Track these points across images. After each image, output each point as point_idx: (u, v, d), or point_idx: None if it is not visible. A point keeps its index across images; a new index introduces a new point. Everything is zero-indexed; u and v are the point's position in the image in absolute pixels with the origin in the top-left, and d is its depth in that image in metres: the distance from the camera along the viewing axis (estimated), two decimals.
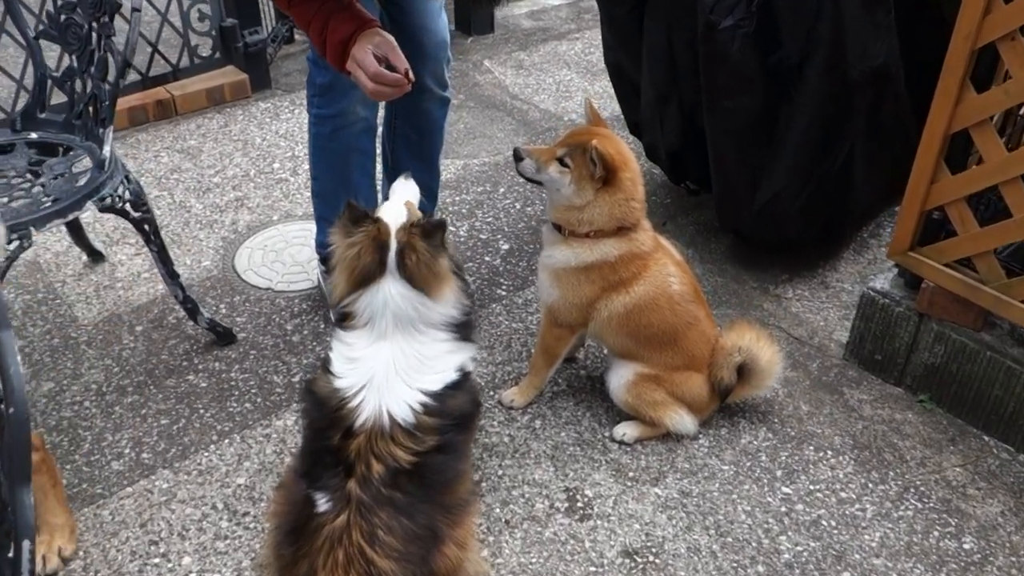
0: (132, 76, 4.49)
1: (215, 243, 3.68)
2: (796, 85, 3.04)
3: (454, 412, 2.12)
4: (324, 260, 3.25)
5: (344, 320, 2.17)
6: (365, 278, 2.08)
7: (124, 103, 4.39)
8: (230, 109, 4.72)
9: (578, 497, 2.61)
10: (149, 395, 2.93)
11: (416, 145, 3.15)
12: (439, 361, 2.13)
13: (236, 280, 3.47)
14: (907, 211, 2.75)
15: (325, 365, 2.17)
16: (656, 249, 2.68)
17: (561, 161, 2.54)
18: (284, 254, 3.61)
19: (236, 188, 4.05)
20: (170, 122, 4.58)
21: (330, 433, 2.04)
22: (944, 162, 2.62)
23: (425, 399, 2.06)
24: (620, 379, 2.75)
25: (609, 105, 4.81)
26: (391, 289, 2.07)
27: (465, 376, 2.21)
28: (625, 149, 2.60)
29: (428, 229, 2.08)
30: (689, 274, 2.76)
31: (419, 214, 2.21)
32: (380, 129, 3.20)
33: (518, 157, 2.61)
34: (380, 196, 3.36)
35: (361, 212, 2.11)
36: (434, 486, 2.05)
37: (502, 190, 4.07)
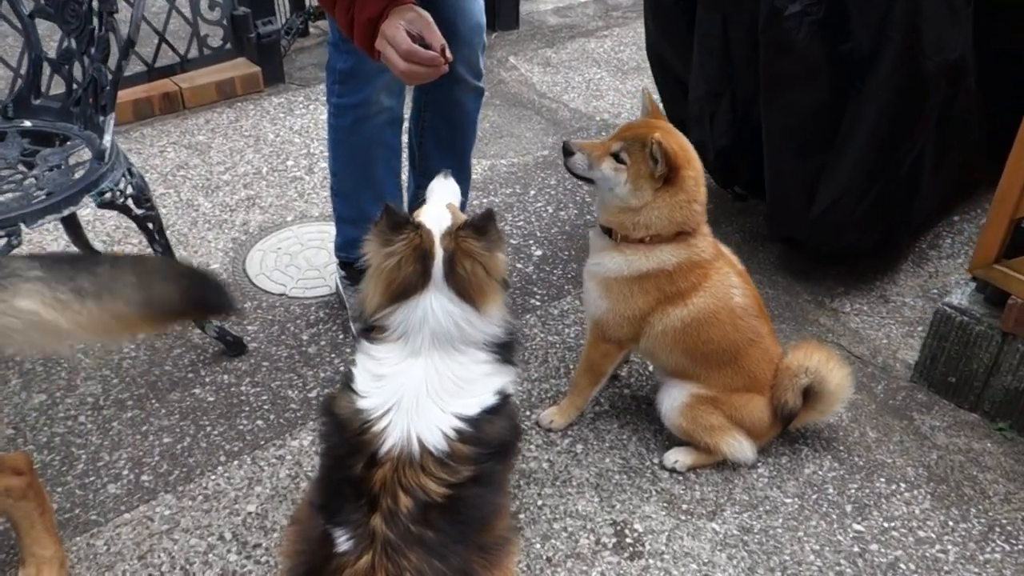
0: (137, 67, 4.25)
1: (224, 245, 3.41)
2: (866, 78, 2.78)
3: (492, 440, 1.88)
4: (344, 264, 2.99)
5: (372, 331, 1.91)
6: (405, 291, 1.84)
7: (128, 95, 4.14)
8: (241, 103, 4.47)
9: (627, 532, 2.34)
10: (151, 410, 2.66)
11: (447, 140, 2.89)
12: (477, 384, 1.89)
13: (247, 285, 3.20)
14: (995, 219, 2.48)
15: (347, 381, 1.93)
16: (717, 257, 2.41)
17: (616, 157, 2.28)
18: (299, 257, 3.34)
19: (247, 186, 3.78)
20: (177, 116, 4.32)
21: (352, 460, 1.80)
22: None
23: (460, 425, 1.82)
24: (673, 401, 2.48)
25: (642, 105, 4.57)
26: (434, 303, 1.83)
27: (505, 400, 1.96)
28: (688, 145, 2.35)
29: (479, 225, 1.84)
30: (752, 285, 2.50)
31: (463, 216, 1.95)
32: (406, 123, 2.94)
33: (568, 151, 2.34)
34: (407, 193, 3.10)
35: (401, 217, 1.86)
36: (469, 523, 1.82)
37: (532, 192, 3.80)
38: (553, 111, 4.53)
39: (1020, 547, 2.33)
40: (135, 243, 3.35)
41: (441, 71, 2.13)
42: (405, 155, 3.00)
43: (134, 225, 2.63)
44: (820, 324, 3.10)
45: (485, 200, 3.73)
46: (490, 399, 1.90)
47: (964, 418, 2.74)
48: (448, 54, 2.11)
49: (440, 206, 1.96)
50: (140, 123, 4.22)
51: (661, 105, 3.64)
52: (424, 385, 1.84)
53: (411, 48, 2.07)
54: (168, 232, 3.38)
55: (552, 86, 4.80)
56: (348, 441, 1.83)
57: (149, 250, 2.68)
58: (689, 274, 2.35)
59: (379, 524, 1.71)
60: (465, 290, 1.83)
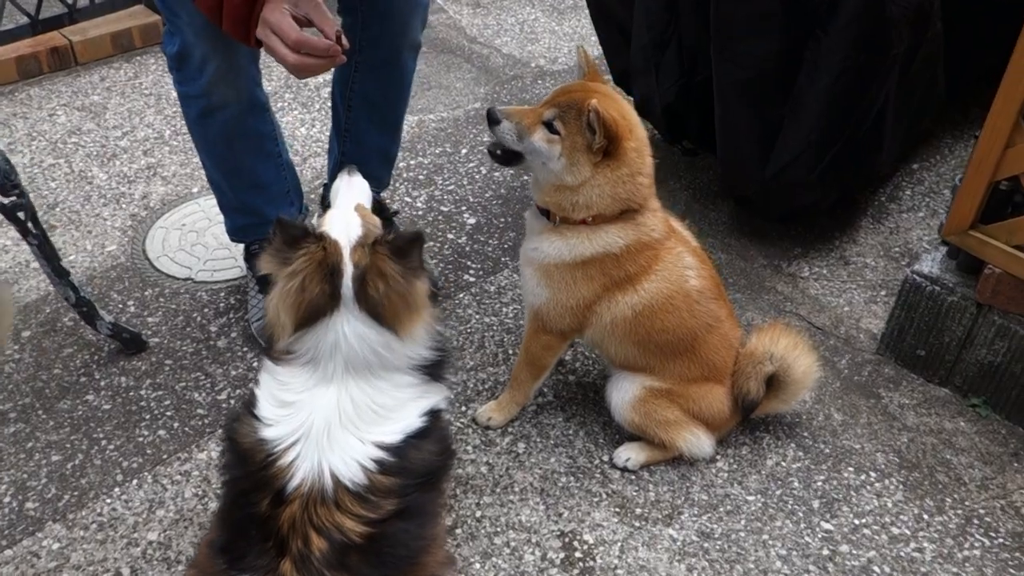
0: (19, 18, 3.79)
1: (122, 222, 3.06)
2: (825, 25, 2.52)
3: (419, 468, 1.65)
4: (246, 247, 2.67)
5: (277, 351, 1.64)
6: (313, 314, 1.57)
7: (11, 51, 3.73)
8: (140, 57, 4.05)
9: (575, 544, 2.12)
10: (37, 422, 2.35)
11: (379, 104, 2.56)
12: (400, 410, 1.66)
13: (147, 269, 2.86)
14: (972, 182, 2.26)
15: (249, 405, 1.67)
16: (669, 235, 2.15)
17: (549, 126, 1.99)
18: (206, 234, 3.00)
19: (148, 153, 3.41)
20: (68, 74, 3.90)
21: (256, 497, 1.57)
22: None
23: (381, 455, 1.60)
24: (624, 395, 2.24)
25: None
26: (345, 328, 1.57)
27: (434, 420, 1.70)
28: (629, 111, 2.07)
29: (400, 246, 1.58)
30: (709, 264, 2.25)
31: (376, 221, 1.67)
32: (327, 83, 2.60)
33: (493, 119, 2.05)
34: (329, 159, 2.77)
35: (297, 230, 1.58)
36: (395, 563, 1.61)
37: (464, 151, 3.49)
38: (485, 58, 4.19)
39: (1000, 541, 2.16)
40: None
41: (337, 62, 1.82)
42: (306, 125, 2.67)
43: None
44: (777, 292, 2.87)
45: (413, 161, 3.41)
46: (416, 423, 1.67)
47: (934, 394, 2.56)
48: (344, 41, 1.79)
49: (348, 210, 1.67)
50: (26, 83, 3.79)
51: (603, 55, 3.36)
52: (337, 414, 1.61)
53: (302, 38, 1.75)
54: (60, 210, 3.06)
55: (483, 29, 4.45)
56: (251, 475, 1.60)
57: (22, 245, 2.33)
58: (638, 256, 2.09)
59: (289, 570, 1.51)
60: (380, 313, 1.58)
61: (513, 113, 2.05)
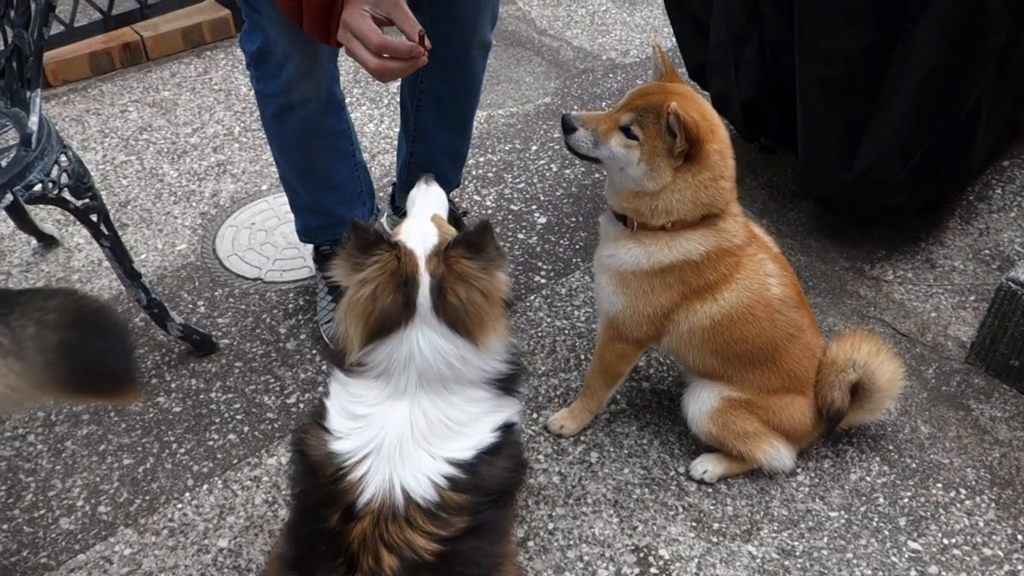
0: (92, 14, 3.83)
1: (192, 221, 3.06)
2: (917, 19, 2.39)
3: (491, 485, 1.59)
4: (316, 248, 2.65)
5: (348, 364, 1.60)
6: (386, 325, 1.52)
7: (84, 48, 3.76)
8: (210, 52, 4.05)
9: (651, 560, 2.05)
10: (109, 425, 2.36)
11: (449, 104, 2.51)
12: (473, 425, 1.60)
13: (217, 268, 2.86)
14: None
15: (319, 416, 1.62)
16: (750, 241, 2.06)
17: (626, 131, 1.92)
18: (276, 233, 2.99)
19: (217, 150, 3.41)
20: (140, 69, 3.92)
21: (326, 511, 1.53)
22: None
23: (453, 471, 1.54)
24: (702, 405, 2.17)
25: (653, 40, 4.16)
26: (421, 340, 1.52)
27: (507, 434, 1.65)
28: (711, 112, 1.98)
29: (473, 240, 1.52)
30: (790, 272, 2.16)
31: (452, 232, 1.61)
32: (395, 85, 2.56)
33: (569, 127, 1.98)
34: (398, 157, 2.73)
35: (371, 236, 1.53)
36: None
37: (535, 148, 3.42)
38: (555, 51, 4.11)
39: None
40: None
41: (420, 64, 1.76)
42: (375, 121, 2.62)
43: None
44: (860, 296, 2.76)
45: (482, 159, 3.36)
46: (488, 438, 1.61)
47: None
48: (428, 42, 1.73)
49: (424, 220, 1.62)
50: (99, 79, 3.82)
51: (679, 51, 3.26)
52: (409, 429, 1.56)
53: (383, 41, 1.69)
54: (131, 208, 3.07)
55: (553, 21, 4.37)
56: (321, 488, 1.56)
57: (94, 244, 2.34)
58: (719, 264, 2.01)
59: None
60: (460, 323, 1.52)
61: (589, 120, 1.98)
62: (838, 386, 2.15)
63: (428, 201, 1.73)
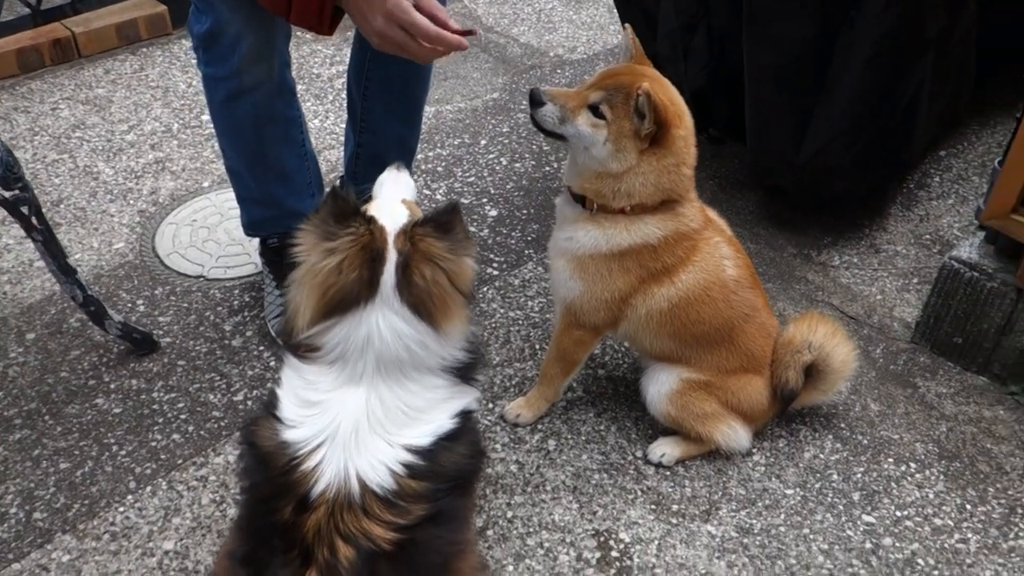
0: (19, 9, 3.69)
1: (130, 219, 2.96)
2: (860, 7, 2.43)
3: (450, 471, 1.56)
4: (264, 245, 2.58)
5: (301, 347, 1.54)
6: (344, 302, 1.47)
7: (11, 43, 3.63)
8: (146, 49, 3.95)
9: (611, 543, 2.03)
10: (43, 428, 2.26)
11: (398, 94, 2.46)
12: (431, 412, 1.56)
13: (157, 267, 2.77)
14: (1015, 164, 2.17)
15: (270, 405, 1.57)
16: (706, 225, 2.07)
17: (595, 110, 1.90)
18: (218, 230, 2.91)
19: (156, 147, 3.31)
20: (71, 66, 3.79)
21: (278, 503, 1.47)
22: None
23: (411, 458, 1.50)
24: (661, 387, 2.17)
25: (600, 38, 4.18)
26: (381, 322, 1.47)
27: (465, 421, 1.61)
28: (679, 98, 1.99)
29: (441, 221, 1.49)
30: (743, 253, 2.17)
31: (420, 215, 1.58)
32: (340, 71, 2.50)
33: (536, 101, 1.95)
34: (345, 151, 2.68)
35: (351, 207, 1.48)
36: (427, 570, 1.52)
37: (483, 142, 3.39)
38: (502, 47, 4.09)
39: None
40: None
41: (461, 49, 1.80)
42: (319, 117, 2.57)
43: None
44: (808, 281, 2.79)
45: (431, 153, 3.32)
46: (447, 425, 1.57)
47: (972, 382, 2.48)
48: (477, 29, 1.73)
49: (394, 202, 1.58)
50: (27, 76, 3.69)
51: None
52: (366, 416, 1.51)
53: (439, 33, 1.71)
54: (65, 207, 2.97)
55: (499, 18, 4.35)
56: (272, 480, 1.50)
57: (25, 244, 2.24)
58: (676, 248, 2.01)
59: None
60: (422, 305, 1.49)
61: (558, 95, 1.95)
62: (793, 366, 2.16)
63: (398, 186, 1.70)
